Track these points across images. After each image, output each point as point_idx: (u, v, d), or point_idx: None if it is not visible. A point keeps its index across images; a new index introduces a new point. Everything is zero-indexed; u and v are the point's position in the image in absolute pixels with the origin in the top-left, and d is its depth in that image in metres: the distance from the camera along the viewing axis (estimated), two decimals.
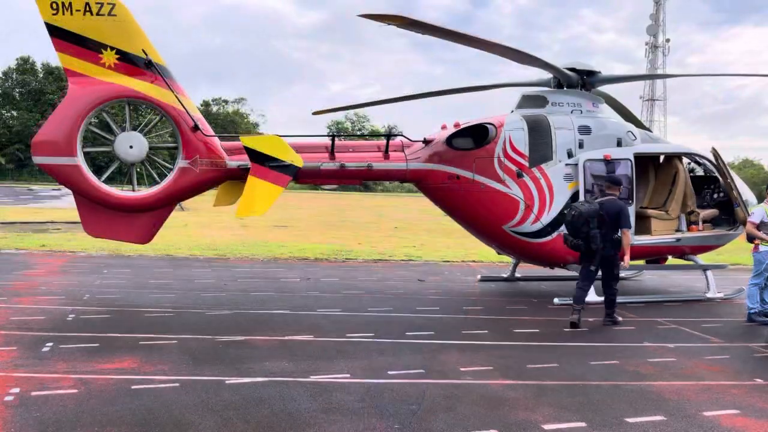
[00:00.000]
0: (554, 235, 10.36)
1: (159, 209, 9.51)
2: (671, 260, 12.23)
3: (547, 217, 10.31)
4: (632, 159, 10.67)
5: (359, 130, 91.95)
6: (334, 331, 8.02)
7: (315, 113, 13.95)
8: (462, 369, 6.54)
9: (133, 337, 7.38)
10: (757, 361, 7.40)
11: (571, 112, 10.78)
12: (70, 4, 8.60)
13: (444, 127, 11.09)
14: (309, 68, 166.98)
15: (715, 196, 11.84)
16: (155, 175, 9.95)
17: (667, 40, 74.41)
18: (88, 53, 8.85)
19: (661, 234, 11.01)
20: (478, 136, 10.45)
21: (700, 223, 11.24)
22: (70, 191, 9.40)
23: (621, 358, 7.16)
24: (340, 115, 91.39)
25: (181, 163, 9.34)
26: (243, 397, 5.50)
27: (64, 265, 12.98)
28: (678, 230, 11.33)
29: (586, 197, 10.30)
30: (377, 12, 7.97)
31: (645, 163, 11.59)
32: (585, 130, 10.58)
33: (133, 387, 5.65)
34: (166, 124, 9.73)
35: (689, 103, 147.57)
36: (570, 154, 10.43)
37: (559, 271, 12.28)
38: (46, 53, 79.15)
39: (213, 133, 9.81)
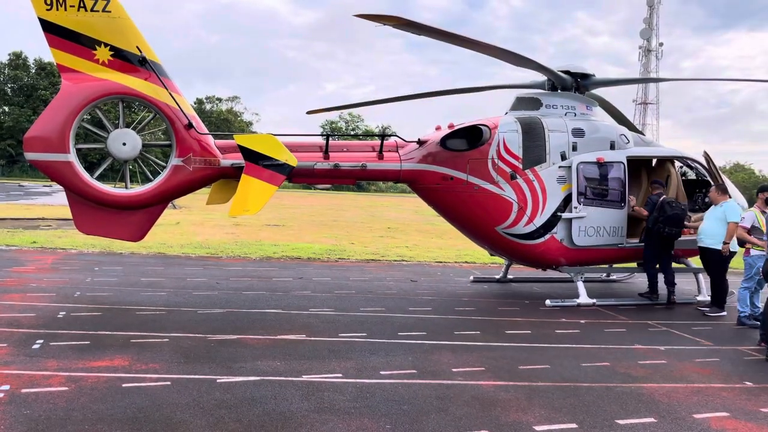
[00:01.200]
0: (546, 237, 10.40)
1: (152, 207, 9.46)
2: None
3: (539, 219, 10.34)
4: (625, 162, 10.73)
5: (353, 130, 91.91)
6: (326, 331, 8.01)
7: (309, 113, 13.94)
8: (454, 370, 6.55)
9: (124, 335, 7.35)
10: (747, 363, 7.45)
11: (565, 114, 10.82)
12: None
13: (438, 128, 11.11)
14: (304, 67, 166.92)
15: (707, 200, 11.90)
16: (148, 173, 9.90)
17: (661, 44, 74.90)
18: (82, 49, 8.79)
19: None
20: (472, 137, 10.47)
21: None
22: (61, 188, 9.35)
23: (612, 360, 7.20)
24: (334, 115, 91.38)
25: (174, 161, 9.30)
26: (235, 397, 5.49)
27: (55, 262, 12.90)
28: None
29: (579, 199, 10.37)
30: (373, 12, 7.96)
31: (637, 166, 11.66)
32: (578, 132, 10.62)
33: (124, 385, 5.63)
34: (159, 121, 9.69)
35: (682, 107, 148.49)
36: (563, 157, 10.47)
37: (551, 273, 12.33)
38: (38, 49, 78.78)
39: (207, 132, 9.78)
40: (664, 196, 10.69)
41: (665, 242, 10.62)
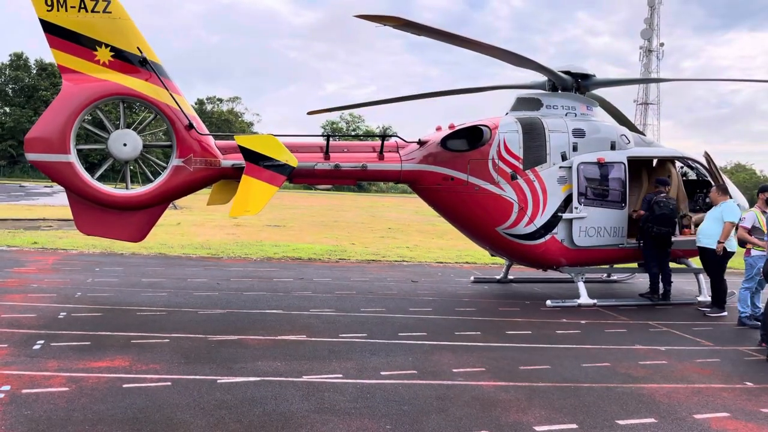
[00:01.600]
0: (547, 237, 10.40)
1: (152, 207, 9.48)
2: None
3: (540, 220, 10.33)
4: (626, 162, 10.73)
5: (354, 130, 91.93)
6: (326, 332, 8.02)
7: (310, 113, 13.94)
8: (454, 370, 6.55)
9: (124, 335, 7.36)
10: (748, 364, 7.45)
11: (566, 114, 10.81)
12: (65, 0, 8.56)
13: (439, 129, 11.11)
14: (305, 68, 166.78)
15: (708, 200, 11.90)
16: (149, 174, 9.91)
17: (661, 44, 74.70)
18: (83, 50, 8.81)
19: None
20: (472, 137, 10.48)
21: (693, 227, 11.31)
22: (62, 189, 9.36)
23: (612, 361, 7.20)
24: (335, 116, 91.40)
25: (175, 161, 9.31)
26: (235, 397, 5.49)
27: (56, 262, 12.91)
28: None
29: (580, 200, 10.38)
30: (373, 13, 7.97)
31: (638, 166, 11.65)
32: (579, 133, 10.62)
33: (124, 386, 5.64)
34: (160, 122, 9.70)
35: (683, 107, 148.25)
36: (564, 157, 10.47)
37: (551, 274, 12.33)
38: (39, 50, 78.79)
39: (207, 132, 9.79)
40: (661, 195, 10.68)
41: (658, 242, 10.63)
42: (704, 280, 11.29)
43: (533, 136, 10.39)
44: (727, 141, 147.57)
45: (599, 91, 11.98)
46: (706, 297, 11.16)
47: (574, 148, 10.53)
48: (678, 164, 11.96)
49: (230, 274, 12.34)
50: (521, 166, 10.31)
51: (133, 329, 7.66)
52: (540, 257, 10.66)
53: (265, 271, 13.01)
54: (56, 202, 30.99)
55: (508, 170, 10.28)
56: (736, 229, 9.66)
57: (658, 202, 10.55)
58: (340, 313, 9.21)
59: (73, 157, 8.85)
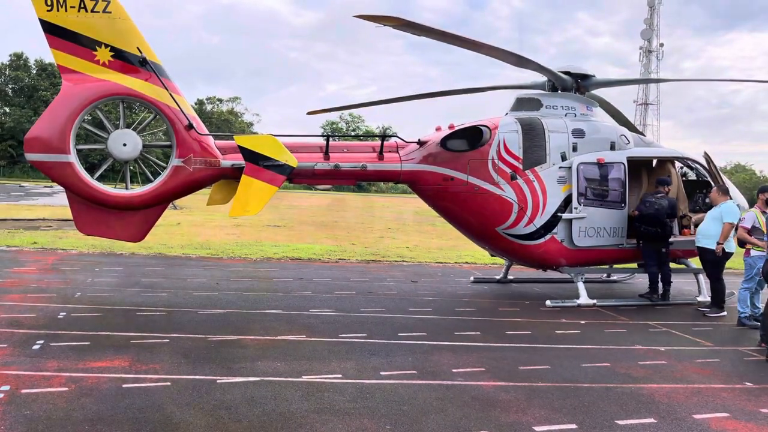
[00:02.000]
0: (547, 237, 10.40)
1: (152, 207, 9.47)
2: None
3: (540, 220, 10.34)
4: (625, 163, 10.73)
5: (354, 130, 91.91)
6: (326, 332, 8.02)
7: (309, 113, 13.95)
8: (454, 370, 6.55)
9: (124, 335, 7.36)
10: (747, 364, 7.45)
11: (565, 115, 10.82)
12: (64, 0, 8.56)
13: (438, 129, 11.11)
14: (305, 68, 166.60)
15: (707, 200, 11.90)
16: (149, 174, 9.91)
17: (661, 45, 74.64)
18: (83, 50, 8.80)
19: None
20: (472, 138, 10.48)
21: (692, 227, 11.32)
22: (62, 189, 9.36)
23: (612, 361, 7.20)
24: (334, 116, 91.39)
25: (174, 161, 9.31)
26: (235, 397, 5.49)
27: (56, 262, 12.91)
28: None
29: (579, 200, 10.38)
30: (373, 13, 7.98)
31: (638, 167, 11.66)
32: (579, 133, 10.62)
33: (124, 386, 5.64)
34: (160, 122, 9.70)
35: (683, 108, 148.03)
36: (563, 157, 10.47)
37: (551, 274, 12.33)
38: (39, 50, 78.77)
39: (207, 132, 9.78)
40: (658, 195, 10.69)
41: (651, 241, 10.63)
42: (704, 280, 11.30)
43: (533, 136, 10.40)
44: (728, 141, 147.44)
45: (599, 92, 11.99)
46: (705, 297, 11.16)
47: (574, 149, 10.53)
48: (678, 164, 11.96)
49: (230, 274, 12.34)
50: (521, 167, 10.31)
51: (133, 329, 7.66)
52: (540, 257, 10.67)
53: (265, 271, 13.01)
54: (56, 202, 30.97)
55: (508, 170, 10.28)
56: (736, 229, 9.66)
57: (646, 201, 10.63)
58: (340, 313, 9.22)
59: (72, 157, 8.85)
